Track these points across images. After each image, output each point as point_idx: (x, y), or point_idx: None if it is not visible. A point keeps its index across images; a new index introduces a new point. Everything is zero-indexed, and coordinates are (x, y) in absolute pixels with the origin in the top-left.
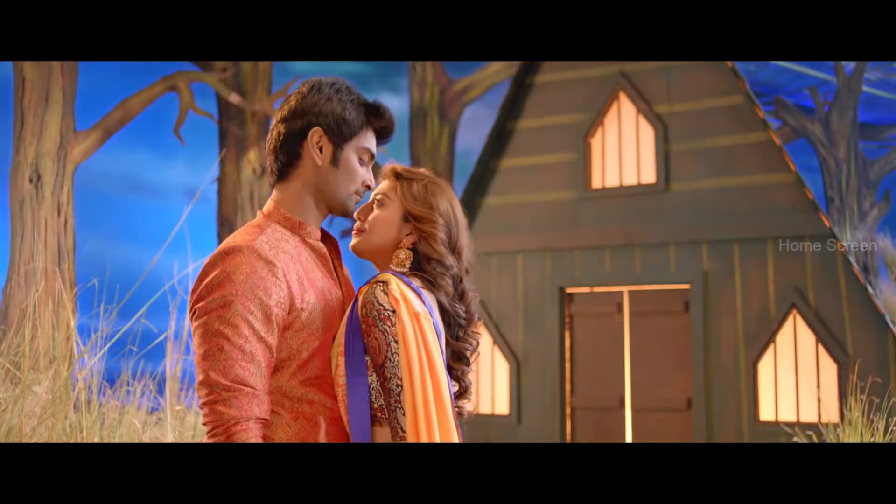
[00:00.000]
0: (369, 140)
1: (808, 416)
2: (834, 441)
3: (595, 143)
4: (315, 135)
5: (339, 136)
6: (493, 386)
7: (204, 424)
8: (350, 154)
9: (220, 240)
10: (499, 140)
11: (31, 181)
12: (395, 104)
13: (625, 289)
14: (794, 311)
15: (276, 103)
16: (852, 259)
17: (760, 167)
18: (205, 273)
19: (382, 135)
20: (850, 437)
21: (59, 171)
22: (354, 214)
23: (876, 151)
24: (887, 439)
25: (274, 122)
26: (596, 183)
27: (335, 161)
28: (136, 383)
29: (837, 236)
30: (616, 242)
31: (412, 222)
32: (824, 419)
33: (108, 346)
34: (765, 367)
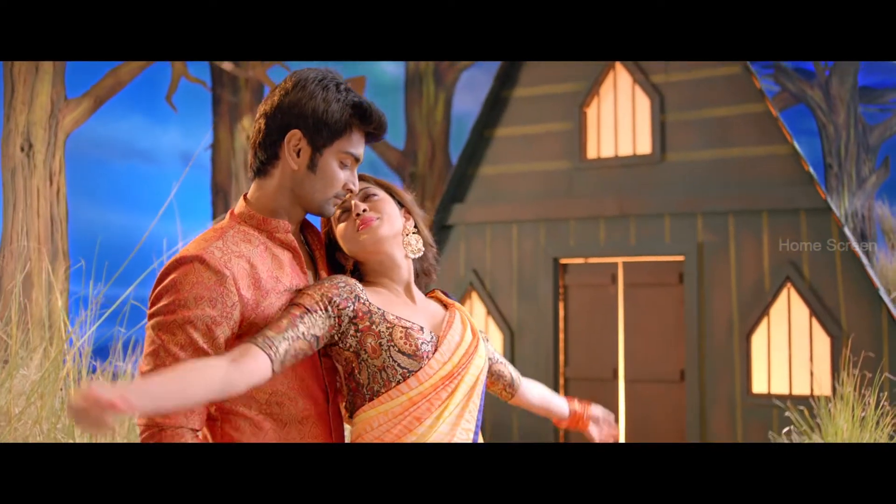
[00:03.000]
0: (354, 143)
1: (801, 388)
2: (825, 413)
3: (591, 112)
4: (293, 138)
5: (319, 139)
6: None
7: (137, 425)
8: (329, 159)
9: (214, 208)
10: (494, 109)
11: (22, 150)
12: (391, 69)
13: (619, 260)
14: (789, 284)
15: (270, 70)
16: (848, 233)
17: (757, 138)
18: (158, 281)
19: (371, 137)
20: (841, 412)
21: (51, 140)
22: (353, 203)
23: (876, 116)
24: (878, 414)
25: (257, 114)
26: (591, 153)
27: (312, 166)
28: (127, 360)
29: (834, 208)
30: (611, 213)
31: (403, 208)
32: (816, 392)
33: (103, 317)
34: (758, 339)
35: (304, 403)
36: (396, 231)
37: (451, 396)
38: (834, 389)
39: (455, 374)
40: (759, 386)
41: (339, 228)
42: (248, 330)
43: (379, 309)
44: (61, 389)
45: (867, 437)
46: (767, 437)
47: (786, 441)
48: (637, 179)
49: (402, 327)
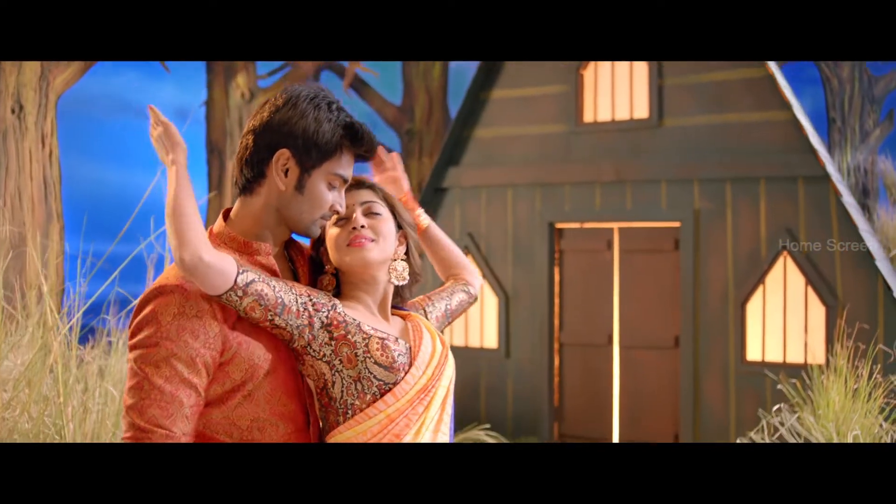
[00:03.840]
0: (343, 165)
1: (795, 357)
2: (818, 385)
3: (587, 75)
4: (282, 157)
5: (308, 160)
6: (482, 320)
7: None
8: (318, 180)
9: (209, 166)
10: (490, 71)
11: (13, 112)
12: None
13: (615, 225)
14: (785, 253)
15: None
16: (846, 202)
17: (756, 104)
18: (138, 310)
19: (362, 158)
20: (833, 384)
21: (42, 102)
22: (354, 215)
23: (882, 67)
24: (870, 386)
25: (245, 129)
26: (588, 117)
27: (300, 187)
28: (118, 334)
29: (832, 174)
30: (607, 178)
31: (401, 231)
32: (810, 361)
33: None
34: (753, 307)
35: (285, 428)
36: (387, 257)
37: (427, 410)
38: (827, 361)
39: (429, 387)
40: (753, 354)
41: (333, 233)
42: (232, 358)
43: (354, 320)
44: (50, 372)
45: (859, 409)
46: (761, 404)
47: (777, 420)
48: (634, 144)
49: (378, 338)
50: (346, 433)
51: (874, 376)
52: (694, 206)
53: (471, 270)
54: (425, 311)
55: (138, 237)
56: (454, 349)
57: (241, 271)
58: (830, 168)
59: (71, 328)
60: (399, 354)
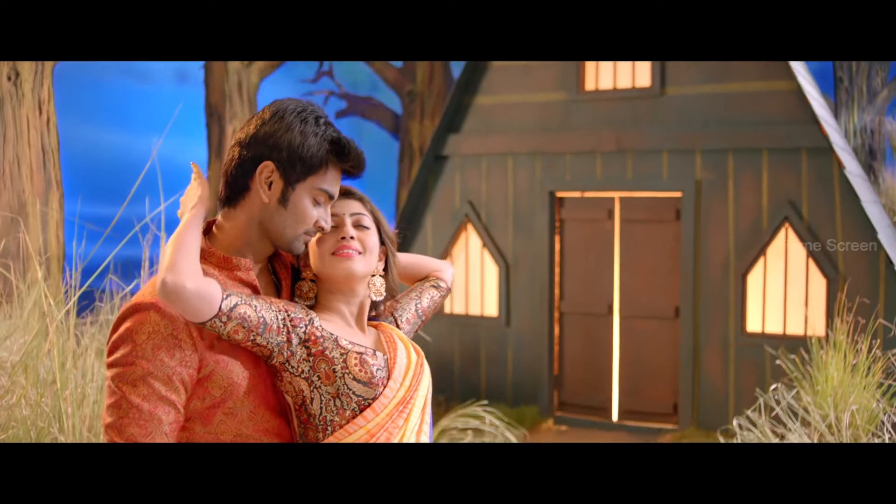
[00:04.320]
0: (329, 181)
1: (795, 329)
2: (817, 357)
3: None
4: (266, 169)
5: (293, 173)
6: (482, 288)
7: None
8: (302, 194)
9: (208, 129)
10: None
11: (9, 79)
12: None
13: (616, 195)
14: (787, 225)
15: None
16: (849, 174)
17: (760, 74)
18: (114, 328)
19: (349, 174)
20: (832, 359)
21: (38, 69)
22: (345, 227)
23: None
24: (869, 361)
25: (232, 141)
26: (589, 85)
27: (283, 200)
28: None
29: (835, 147)
30: (608, 147)
31: (383, 247)
32: (810, 333)
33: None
34: (754, 279)
35: (269, 442)
36: (370, 271)
37: (407, 422)
38: (827, 336)
39: (408, 399)
40: (753, 325)
41: (318, 239)
42: (210, 375)
43: (331, 334)
44: (48, 352)
45: (857, 383)
46: (760, 375)
47: (773, 400)
48: (635, 113)
49: (356, 353)
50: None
51: (873, 351)
52: (695, 176)
53: (438, 266)
54: (394, 316)
55: (142, 201)
56: (454, 317)
57: (225, 296)
58: (836, 137)
59: (68, 312)
60: (377, 369)
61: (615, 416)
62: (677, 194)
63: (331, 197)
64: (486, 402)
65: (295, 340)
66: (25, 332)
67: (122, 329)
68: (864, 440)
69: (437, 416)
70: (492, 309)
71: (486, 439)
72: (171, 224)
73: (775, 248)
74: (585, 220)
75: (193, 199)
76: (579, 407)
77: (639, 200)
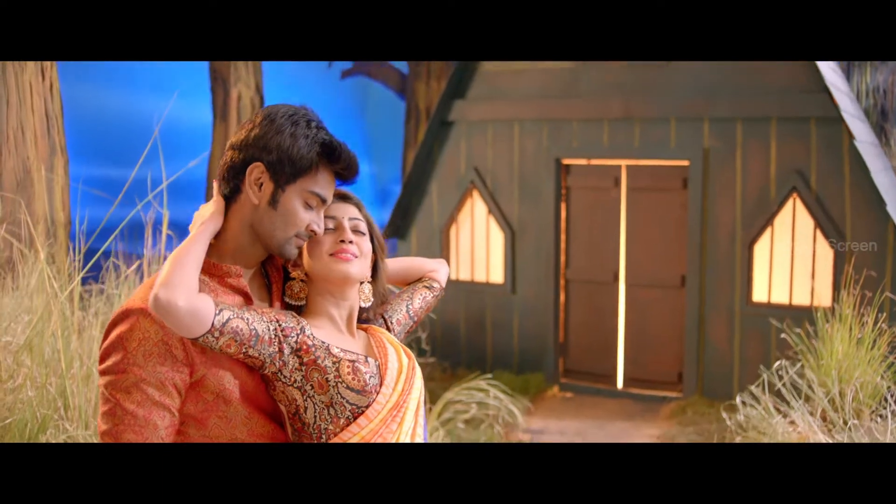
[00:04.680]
0: (320, 183)
1: (801, 300)
2: (823, 330)
3: None
4: (255, 170)
5: (282, 175)
6: (488, 255)
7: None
8: (292, 196)
9: (213, 94)
10: None
11: None
12: None
13: (623, 163)
14: (795, 195)
15: None
16: (859, 144)
17: None
18: (106, 334)
19: (342, 177)
20: (838, 332)
21: None
22: (345, 231)
23: None
24: (874, 334)
25: (227, 146)
26: None
27: (273, 202)
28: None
29: (845, 116)
30: (615, 115)
31: (374, 255)
32: (816, 304)
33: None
34: (761, 249)
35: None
36: (363, 276)
37: (401, 426)
38: (833, 309)
39: (401, 404)
40: (759, 295)
41: (315, 239)
42: (201, 380)
43: (323, 343)
44: (52, 333)
45: (862, 356)
46: (766, 344)
47: (777, 376)
48: (643, 81)
49: (349, 361)
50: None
51: (879, 324)
52: (703, 144)
53: (433, 267)
54: (384, 318)
55: (147, 163)
56: (460, 284)
57: (217, 311)
58: (847, 104)
59: (72, 292)
60: (370, 376)
61: (620, 384)
62: (684, 163)
63: (323, 201)
64: (490, 375)
65: (287, 350)
66: (31, 309)
67: (112, 336)
68: (866, 415)
69: (441, 383)
70: (497, 276)
71: (491, 412)
72: (175, 190)
73: (782, 219)
74: (592, 187)
75: (206, 216)
76: (584, 374)
77: (646, 168)
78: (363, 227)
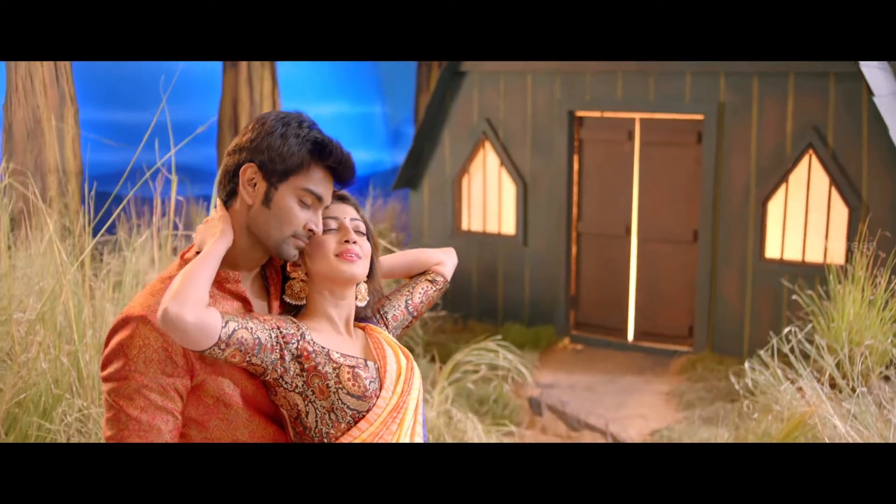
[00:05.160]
0: (314, 181)
1: (814, 257)
2: (834, 290)
3: None
4: (248, 170)
5: (274, 173)
6: (500, 206)
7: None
8: (286, 195)
9: (223, 73)
10: None
11: None
12: None
13: (636, 116)
14: (811, 151)
15: None
16: (878, 100)
17: None
18: (107, 341)
19: (338, 175)
20: (850, 293)
21: None
22: (350, 231)
23: None
24: (887, 296)
25: (225, 154)
26: None
27: (267, 201)
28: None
29: (865, 71)
30: (629, 67)
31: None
32: (829, 261)
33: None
34: (775, 205)
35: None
36: (366, 275)
37: (401, 426)
38: (846, 271)
39: (400, 405)
40: (772, 251)
41: (319, 240)
42: (201, 384)
43: (323, 348)
44: (64, 304)
45: (873, 317)
46: (777, 301)
47: (786, 341)
48: None
49: (349, 367)
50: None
51: (892, 286)
52: (719, 99)
53: (439, 259)
54: (382, 313)
55: (156, 106)
56: (472, 234)
57: (223, 324)
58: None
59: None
60: (370, 381)
61: (630, 337)
62: (699, 117)
63: (319, 198)
64: (499, 336)
65: (288, 357)
66: (43, 273)
67: (113, 343)
68: (874, 379)
69: (453, 335)
70: (509, 227)
71: (500, 373)
72: (186, 135)
73: (798, 176)
74: (605, 140)
75: (214, 233)
76: (595, 327)
77: (660, 122)
78: (362, 227)
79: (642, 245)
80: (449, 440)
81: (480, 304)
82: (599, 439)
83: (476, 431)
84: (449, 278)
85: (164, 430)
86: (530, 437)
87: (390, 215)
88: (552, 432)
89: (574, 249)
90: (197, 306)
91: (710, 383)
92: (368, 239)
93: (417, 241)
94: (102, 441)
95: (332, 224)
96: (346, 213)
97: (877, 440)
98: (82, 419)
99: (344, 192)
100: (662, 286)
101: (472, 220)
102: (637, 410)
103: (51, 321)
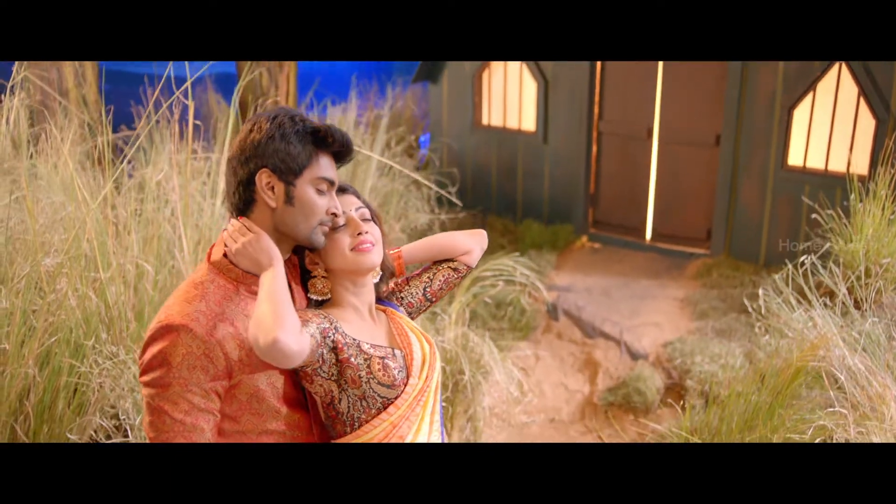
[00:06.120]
0: (324, 168)
1: (837, 167)
2: (855, 204)
3: None
4: (263, 176)
5: (288, 172)
6: (520, 103)
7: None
8: (305, 188)
9: None
10: None
11: None
12: None
13: None
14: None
15: None
16: None
17: None
18: (147, 346)
19: (339, 157)
20: (870, 211)
21: None
22: (359, 224)
23: None
24: None
25: (227, 157)
26: None
27: (289, 199)
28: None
29: None
30: None
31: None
32: (852, 172)
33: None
34: (800, 114)
35: (290, 434)
36: (382, 258)
37: (424, 408)
38: (868, 189)
39: (424, 389)
40: (794, 159)
41: (333, 239)
42: (238, 384)
43: (354, 340)
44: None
45: (892, 235)
46: (797, 209)
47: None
48: None
49: (379, 357)
50: (356, 442)
51: None
52: None
53: (468, 248)
54: (400, 296)
55: None
56: (492, 130)
57: (309, 339)
58: None
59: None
60: (398, 370)
61: (648, 237)
62: None
63: (332, 183)
64: (517, 253)
65: (325, 349)
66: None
67: (154, 351)
68: (885, 296)
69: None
70: (529, 124)
71: (517, 288)
72: None
73: (826, 85)
74: None
75: (265, 257)
76: (613, 226)
77: None
78: (367, 212)
79: (664, 147)
80: (465, 366)
81: (499, 200)
82: (613, 348)
83: (492, 356)
84: (475, 266)
85: (206, 429)
86: (545, 343)
87: (410, 102)
88: (567, 338)
89: (594, 148)
90: (297, 333)
91: (725, 291)
92: (374, 220)
93: (437, 135)
94: (147, 439)
95: (340, 220)
96: (350, 204)
97: (883, 374)
98: (114, 362)
99: (343, 183)
100: (682, 188)
101: (492, 116)
102: (651, 318)
103: (77, 258)
